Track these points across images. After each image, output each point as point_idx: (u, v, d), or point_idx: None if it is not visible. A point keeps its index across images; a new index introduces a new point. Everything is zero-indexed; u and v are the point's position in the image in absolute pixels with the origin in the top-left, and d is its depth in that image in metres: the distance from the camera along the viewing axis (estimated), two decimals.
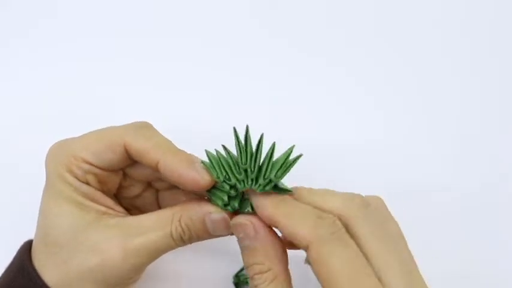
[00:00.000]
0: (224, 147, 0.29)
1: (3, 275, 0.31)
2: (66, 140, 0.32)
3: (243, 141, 0.28)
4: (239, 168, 0.29)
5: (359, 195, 0.28)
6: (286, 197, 0.28)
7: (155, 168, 0.30)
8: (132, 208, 0.35)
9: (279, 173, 0.28)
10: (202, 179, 0.29)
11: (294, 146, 0.28)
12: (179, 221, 0.30)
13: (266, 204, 0.28)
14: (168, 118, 0.42)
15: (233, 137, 0.28)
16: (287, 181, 0.29)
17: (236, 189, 0.29)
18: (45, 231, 0.30)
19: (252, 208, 0.29)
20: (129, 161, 0.31)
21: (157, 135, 0.31)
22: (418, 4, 0.46)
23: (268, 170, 0.28)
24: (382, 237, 0.26)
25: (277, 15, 0.45)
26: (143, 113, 0.42)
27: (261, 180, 0.28)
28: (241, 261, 0.29)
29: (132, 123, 0.32)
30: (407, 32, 0.45)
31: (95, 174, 0.31)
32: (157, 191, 0.35)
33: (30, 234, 0.32)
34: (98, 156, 0.30)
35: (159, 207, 0.35)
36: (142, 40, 0.44)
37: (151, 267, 0.32)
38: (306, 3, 0.45)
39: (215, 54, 0.44)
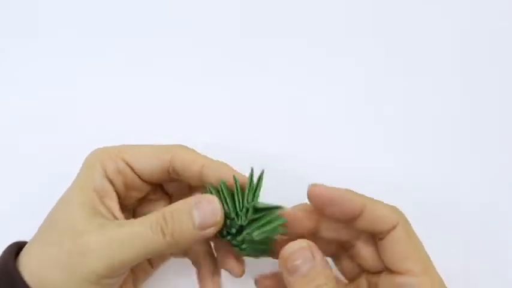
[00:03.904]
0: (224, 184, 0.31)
1: None
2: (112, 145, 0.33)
3: (255, 183, 0.30)
4: (242, 205, 0.30)
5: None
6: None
7: (198, 176, 0.31)
8: None
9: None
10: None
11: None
12: (163, 213, 0.29)
13: (350, 193, 0.29)
14: (169, 121, 0.42)
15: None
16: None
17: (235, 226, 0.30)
18: (48, 219, 0.30)
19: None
20: (166, 177, 0.32)
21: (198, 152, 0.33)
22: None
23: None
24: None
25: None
26: (144, 113, 0.43)
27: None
28: None
29: (177, 144, 0.33)
30: (409, 36, 0.45)
31: (126, 177, 0.32)
32: None
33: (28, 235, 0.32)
34: (139, 161, 0.32)
35: None
36: (142, 42, 0.44)
37: None
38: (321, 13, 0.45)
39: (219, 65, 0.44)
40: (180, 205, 0.29)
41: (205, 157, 0.32)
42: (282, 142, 0.42)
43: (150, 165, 0.32)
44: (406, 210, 0.30)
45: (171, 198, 0.36)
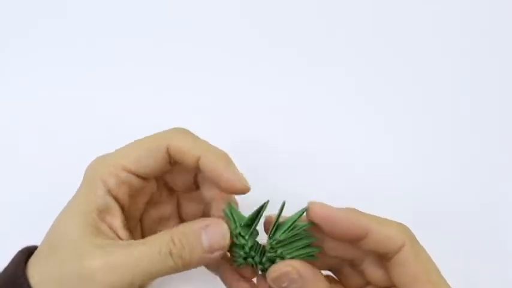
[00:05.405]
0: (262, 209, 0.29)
1: None
2: (109, 153, 0.32)
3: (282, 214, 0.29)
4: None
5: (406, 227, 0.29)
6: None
7: (195, 166, 0.30)
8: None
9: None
10: (239, 181, 0.29)
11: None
12: (171, 236, 0.28)
13: (353, 214, 0.28)
14: (169, 121, 0.42)
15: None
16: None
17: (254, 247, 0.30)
18: (51, 233, 0.30)
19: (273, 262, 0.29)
20: (168, 167, 0.31)
21: (197, 136, 0.31)
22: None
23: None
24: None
25: (286, 32, 0.45)
26: (145, 114, 0.42)
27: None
28: None
29: (172, 128, 0.32)
30: (411, 37, 0.45)
31: (130, 185, 0.31)
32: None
33: (29, 236, 0.32)
34: (139, 161, 0.30)
35: None
36: (142, 43, 0.44)
37: None
38: (311, 12, 0.45)
39: (217, 60, 0.44)
40: (188, 228, 0.29)
41: (201, 145, 0.31)
42: (283, 140, 0.42)
43: (150, 164, 0.31)
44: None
45: (177, 195, 0.35)
